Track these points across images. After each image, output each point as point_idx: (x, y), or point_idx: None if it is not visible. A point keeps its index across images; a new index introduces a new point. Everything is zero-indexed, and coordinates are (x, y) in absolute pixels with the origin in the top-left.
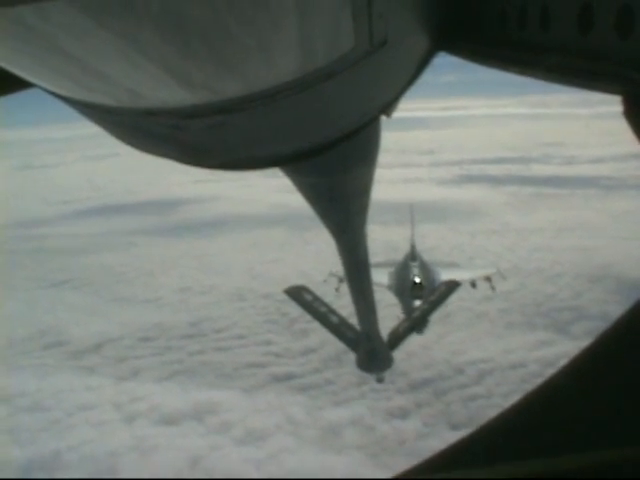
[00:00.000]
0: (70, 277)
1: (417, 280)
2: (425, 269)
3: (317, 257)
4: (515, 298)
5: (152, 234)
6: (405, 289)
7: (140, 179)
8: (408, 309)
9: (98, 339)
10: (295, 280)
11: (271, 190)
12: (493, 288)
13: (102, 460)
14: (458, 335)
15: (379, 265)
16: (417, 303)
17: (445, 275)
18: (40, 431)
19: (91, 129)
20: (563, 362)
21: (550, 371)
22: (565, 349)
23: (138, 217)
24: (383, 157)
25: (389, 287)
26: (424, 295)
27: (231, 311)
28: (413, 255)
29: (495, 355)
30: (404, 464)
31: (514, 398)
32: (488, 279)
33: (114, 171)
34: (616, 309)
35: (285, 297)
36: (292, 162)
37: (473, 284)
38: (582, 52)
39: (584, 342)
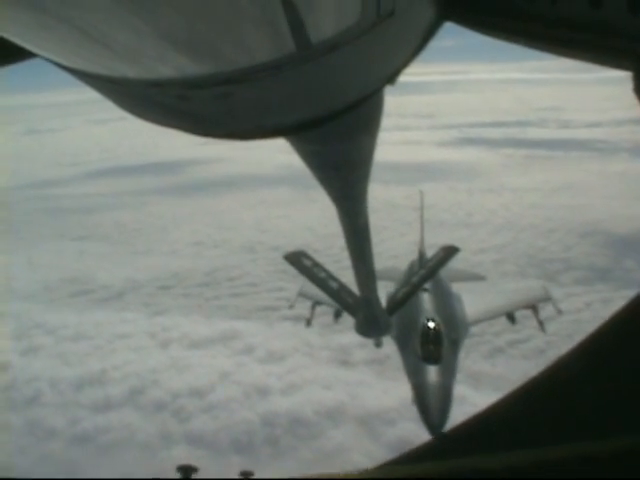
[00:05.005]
0: (87, 234)
1: (431, 325)
2: (445, 300)
3: (322, 213)
4: (509, 250)
5: (162, 193)
6: (411, 339)
7: (146, 142)
8: (416, 377)
9: (120, 289)
10: (302, 234)
11: (275, 151)
12: (542, 325)
13: (144, 376)
14: None
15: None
16: (432, 369)
17: (470, 302)
18: (86, 355)
19: (94, 94)
20: (550, 307)
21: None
22: (554, 295)
23: (147, 178)
24: (384, 121)
25: None
26: (442, 356)
27: (243, 262)
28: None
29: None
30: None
31: (503, 337)
32: (533, 309)
33: (120, 134)
34: (603, 261)
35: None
36: (297, 132)
37: (512, 318)
38: (592, 26)
39: (572, 289)
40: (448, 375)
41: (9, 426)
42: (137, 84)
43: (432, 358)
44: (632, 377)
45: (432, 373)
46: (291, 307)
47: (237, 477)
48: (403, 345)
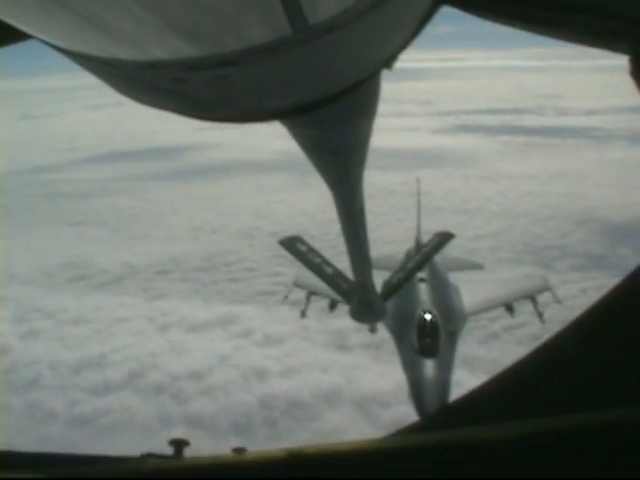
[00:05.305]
0: (85, 219)
1: (428, 317)
2: (442, 291)
3: (319, 200)
4: (505, 237)
5: (159, 179)
6: (407, 331)
7: (143, 127)
8: (412, 370)
9: (119, 273)
10: (299, 219)
11: (272, 137)
12: (541, 316)
13: (143, 359)
14: None
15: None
16: (429, 362)
17: (467, 293)
18: (85, 339)
19: (90, 79)
20: (546, 294)
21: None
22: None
23: (144, 163)
24: (381, 107)
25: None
26: (439, 349)
27: (240, 247)
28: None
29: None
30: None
31: (498, 322)
32: (532, 299)
33: (117, 119)
34: (599, 248)
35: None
36: (293, 115)
37: (510, 308)
38: (590, 9)
39: (568, 276)
40: (445, 368)
41: (9, 408)
42: (133, 66)
43: (429, 351)
44: (628, 350)
45: (429, 366)
46: (286, 298)
47: (230, 452)
48: (399, 337)
